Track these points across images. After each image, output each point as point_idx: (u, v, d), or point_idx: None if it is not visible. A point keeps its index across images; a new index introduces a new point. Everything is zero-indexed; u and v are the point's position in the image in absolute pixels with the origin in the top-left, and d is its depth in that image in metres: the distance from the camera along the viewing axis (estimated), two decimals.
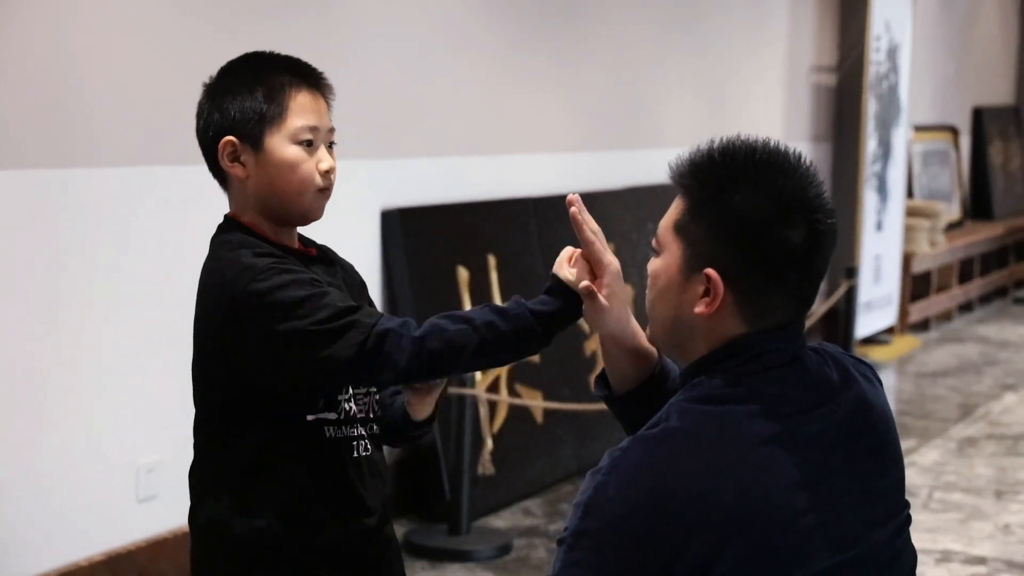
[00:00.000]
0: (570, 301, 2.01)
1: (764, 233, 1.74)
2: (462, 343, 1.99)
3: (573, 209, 1.98)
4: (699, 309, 1.76)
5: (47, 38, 3.78)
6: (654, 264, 1.83)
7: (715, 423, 1.71)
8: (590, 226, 1.99)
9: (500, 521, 5.15)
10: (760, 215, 1.74)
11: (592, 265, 2.00)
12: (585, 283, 1.96)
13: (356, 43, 4.85)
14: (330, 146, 2.20)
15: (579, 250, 2.03)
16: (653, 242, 1.84)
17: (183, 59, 4.10)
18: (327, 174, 2.17)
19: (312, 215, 2.20)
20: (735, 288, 1.75)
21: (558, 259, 2.04)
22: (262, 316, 2.03)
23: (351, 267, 2.34)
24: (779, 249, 1.74)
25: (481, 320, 2.01)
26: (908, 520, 1.85)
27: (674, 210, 1.81)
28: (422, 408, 2.28)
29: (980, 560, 4.89)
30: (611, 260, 1.99)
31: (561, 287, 2.02)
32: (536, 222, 5.68)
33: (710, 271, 1.75)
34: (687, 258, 1.78)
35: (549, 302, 2.02)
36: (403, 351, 1.99)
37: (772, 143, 1.80)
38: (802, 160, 1.79)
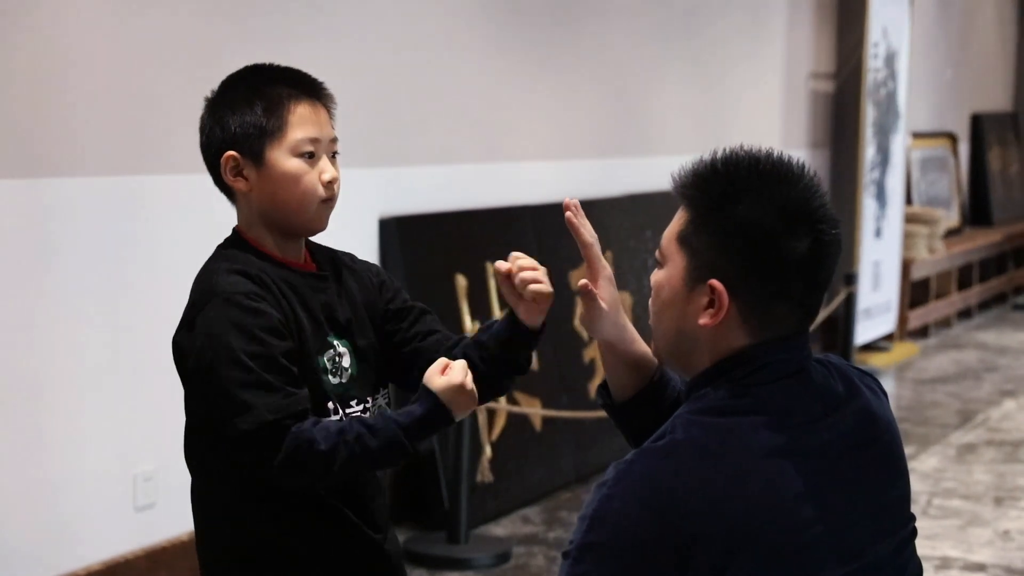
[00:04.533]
0: (437, 411, 2.06)
1: (768, 243, 1.73)
2: (333, 456, 2.03)
3: (568, 213, 1.98)
4: (704, 321, 1.76)
5: (43, 47, 3.78)
6: (657, 276, 1.82)
7: (720, 435, 1.71)
8: (588, 229, 1.99)
9: (499, 529, 5.14)
10: (764, 225, 1.73)
11: (589, 268, 2.00)
12: (583, 281, 1.97)
13: (353, 52, 4.85)
14: (333, 156, 2.20)
15: (453, 361, 2.08)
16: (656, 254, 1.84)
17: (184, 68, 4.09)
18: (330, 184, 2.17)
19: (317, 226, 2.20)
20: (739, 299, 1.75)
21: (430, 369, 2.09)
22: (194, 358, 2.08)
23: (366, 270, 2.32)
24: (783, 259, 1.74)
25: (352, 434, 2.04)
26: (914, 533, 1.85)
27: (677, 221, 1.81)
28: (535, 315, 2.19)
29: (979, 567, 4.88)
30: (605, 265, 1.99)
31: (431, 398, 2.07)
32: (534, 230, 5.68)
33: (714, 282, 1.74)
34: (691, 269, 1.77)
35: (416, 413, 2.07)
36: (278, 453, 2.02)
37: (775, 154, 1.79)
38: (806, 170, 1.78)
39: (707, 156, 1.80)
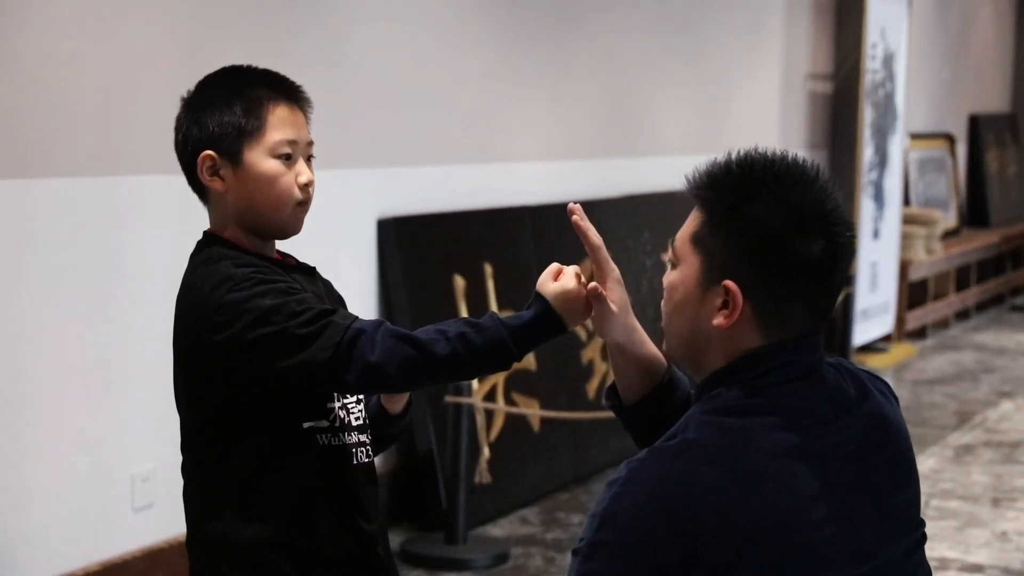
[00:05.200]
0: (548, 318, 2.02)
1: (782, 245, 1.74)
2: (432, 351, 1.99)
3: (575, 217, 1.98)
4: (718, 321, 1.76)
5: (38, 47, 3.78)
6: (671, 277, 1.83)
7: (732, 435, 1.71)
8: (594, 231, 2.00)
9: (497, 530, 5.14)
10: (778, 226, 1.74)
11: (598, 270, 2.00)
12: (593, 284, 1.97)
13: (351, 52, 4.85)
14: (309, 159, 2.21)
15: (565, 267, 2.04)
16: (669, 254, 1.84)
17: (180, 67, 4.09)
18: (306, 187, 2.17)
19: (291, 229, 2.20)
20: (753, 300, 1.75)
21: (543, 275, 2.05)
22: (240, 324, 2.03)
23: (330, 284, 2.34)
24: (797, 261, 1.74)
25: (454, 331, 2.01)
26: (923, 538, 1.85)
27: (691, 222, 1.81)
28: (396, 401, 2.31)
29: (977, 568, 4.88)
30: (614, 267, 2.00)
31: (542, 303, 2.02)
32: (532, 231, 5.68)
33: (729, 283, 1.75)
34: (705, 270, 1.77)
35: (525, 317, 2.03)
36: (374, 351, 1.98)
37: (790, 155, 1.80)
38: (820, 172, 1.79)
39: (721, 157, 1.80)
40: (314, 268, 2.28)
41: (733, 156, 1.79)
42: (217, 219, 2.20)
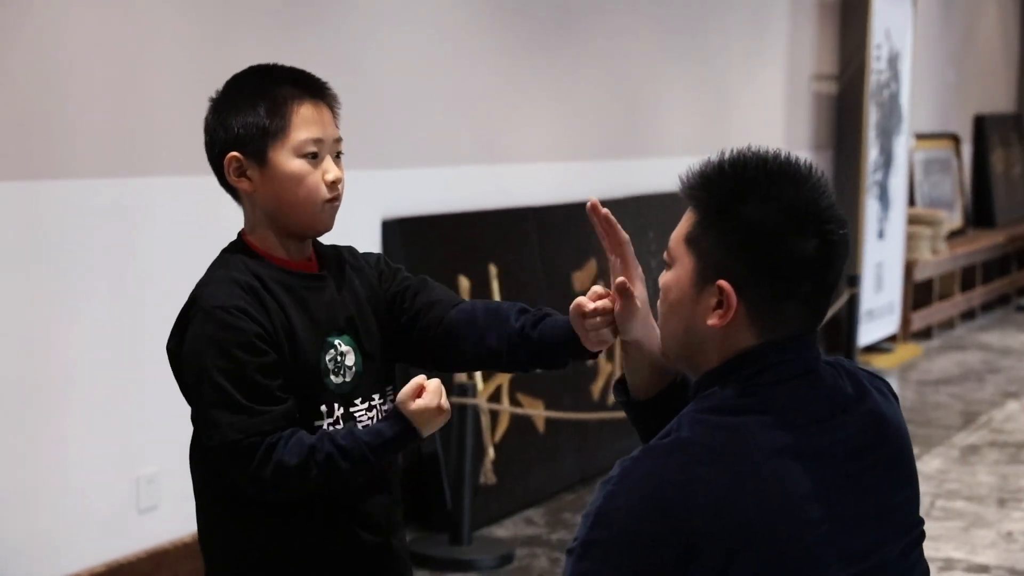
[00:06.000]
0: (406, 433, 2.09)
1: (776, 244, 1.74)
2: (303, 474, 2.05)
3: (604, 211, 1.99)
4: (712, 321, 1.76)
5: (49, 48, 3.78)
6: (665, 277, 1.83)
7: (727, 433, 1.71)
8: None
9: (502, 530, 5.14)
10: (772, 226, 1.73)
11: (624, 267, 2.00)
12: (621, 279, 1.97)
13: (355, 54, 4.85)
14: (337, 156, 2.19)
15: (428, 382, 2.10)
16: (664, 255, 1.84)
17: (183, 69, 4.10)
18: (334, 184, 2.16)
19: (322, 227, 2.19)
20: (747, 299, 1.75)
21: (404, 392, 2.10)
22: (193, 361, 2.09)
23: (367, 265, 2.30)
24: (791, 260, 1.74)
25: (322, 454, 2.06)
26: (922, 536, 1.84)
27: (685, 223, 1.81)
28: (595, 346, 2.12)
29: (983, 568, 4.88)
30: (638, 264, 2.01)
31: (402, 422, 2.09)
32: (537, 231, 5.68)
33: (723, 283, 1.74)
34: (699, 270, 1.77)
35: (386, 434, 2.09)
36: (245, 470, 2.05)
37: (783, 154, 1.79)
38: (813, 171, 1.79)
39: (714, 157, 1.80)
40: (344, 262, 2.25)
41: (726, 156, 1.79)
42: (249, 220, 2.20)
